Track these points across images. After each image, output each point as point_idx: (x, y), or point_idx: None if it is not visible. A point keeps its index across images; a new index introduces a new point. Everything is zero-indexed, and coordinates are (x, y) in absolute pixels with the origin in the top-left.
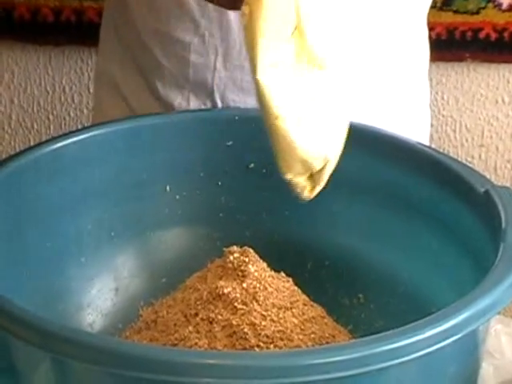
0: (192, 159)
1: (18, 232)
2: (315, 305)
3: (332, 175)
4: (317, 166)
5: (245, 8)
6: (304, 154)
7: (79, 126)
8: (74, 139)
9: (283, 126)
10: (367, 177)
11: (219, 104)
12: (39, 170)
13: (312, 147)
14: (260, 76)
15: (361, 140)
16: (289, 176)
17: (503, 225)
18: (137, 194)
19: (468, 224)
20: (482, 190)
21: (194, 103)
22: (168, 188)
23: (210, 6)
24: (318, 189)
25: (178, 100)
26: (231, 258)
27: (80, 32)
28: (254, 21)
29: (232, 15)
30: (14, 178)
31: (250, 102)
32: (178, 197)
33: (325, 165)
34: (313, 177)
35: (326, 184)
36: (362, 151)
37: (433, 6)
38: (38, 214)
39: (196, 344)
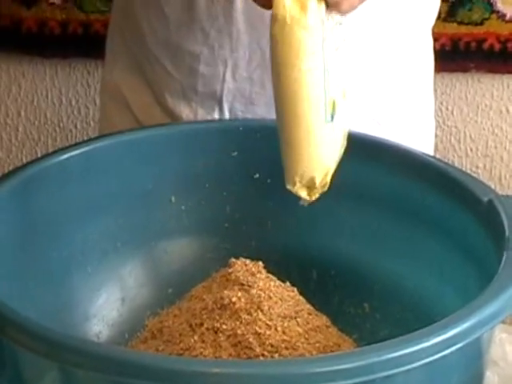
0: (197, 170)
1: (25, 242)
2: (320, 314)
3: (337, 185)
4: (320, 178)
5: None
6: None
7: (86, 138)
8: (81, 150)
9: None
10: (372, 187)
11: (227, 115)
12: (46, 181)
13: (323, 160)
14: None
15: (366, 150)
16: (295, 186)
17: (507, 233)
18: (143, 205)
19: (472, 233)
20: (486, 199)
21: (202, 115)
22: (173, 198)
23: (220, 16)
24: (318, 194)
25: (186, 112)
26: (236, 267)
27: (87, 44)
28: None
29: (242, 27)
30: (22, 190)
31: (259, 113)
32: (183, 207)
33: (327, 174)
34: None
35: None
36: (368, 161)
37: (437, 17)
38: (44, 224)
39: (201, 353)
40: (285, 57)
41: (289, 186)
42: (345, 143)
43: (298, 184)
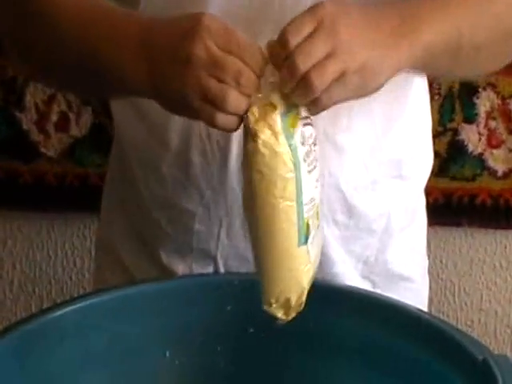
0: (191, 324)
1: None
2: None
3: (333, 342)
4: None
5: None
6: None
7: (81, 290)
8: (75, 306)
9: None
10: (366, 344)
11: (222, 271)
12: (41, 338)
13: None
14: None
15: (360, 306)
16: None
17: None
18: (137, 360)
19: None
20: (481, 358)
21: (197, 271)
22: (167, 353)
23: (215, 176)
24: (294, 313)
25: (181, 268)
26: None
27: (83, 197)
28: None
29: (236, 187)
30: (17, 347)
31: (253, 270)
32: (177, 362)
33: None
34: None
35: (326, 351)
36: (362, 317)
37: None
38: (39, 380)
39: None
40: (260, 184)
41: (265, 307)
42: (318, 259)
43: (274, 305)
